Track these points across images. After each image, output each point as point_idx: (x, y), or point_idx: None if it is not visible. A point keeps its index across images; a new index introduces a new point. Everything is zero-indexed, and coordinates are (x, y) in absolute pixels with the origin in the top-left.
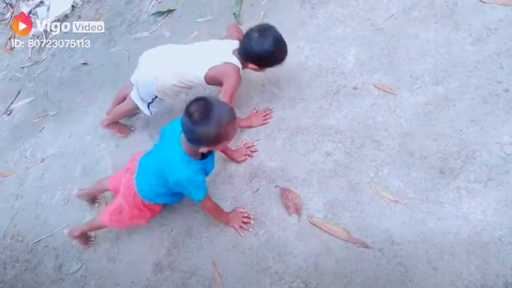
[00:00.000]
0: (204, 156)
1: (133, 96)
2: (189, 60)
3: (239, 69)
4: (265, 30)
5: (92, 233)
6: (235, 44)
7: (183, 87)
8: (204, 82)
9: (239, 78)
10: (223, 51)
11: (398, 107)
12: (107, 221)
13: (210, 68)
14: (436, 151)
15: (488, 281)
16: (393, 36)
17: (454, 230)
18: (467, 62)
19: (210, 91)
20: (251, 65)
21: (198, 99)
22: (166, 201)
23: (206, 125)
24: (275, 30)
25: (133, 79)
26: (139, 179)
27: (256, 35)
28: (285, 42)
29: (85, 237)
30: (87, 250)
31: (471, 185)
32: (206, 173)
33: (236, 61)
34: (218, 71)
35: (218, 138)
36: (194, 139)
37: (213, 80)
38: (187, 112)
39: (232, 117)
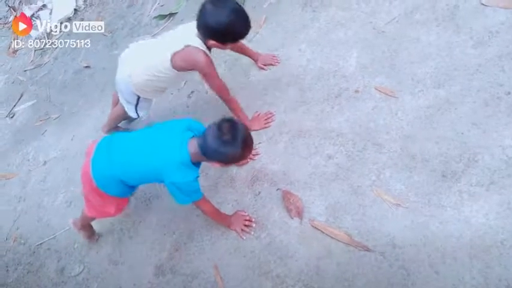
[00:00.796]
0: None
1: (120, 98)
2: (156, 51)
3: (201, 49)
4: (219, 0)
5: (96, 234)
6: None
7: (157, 80)
8: (172, 69)
9: (207, 58)
10: (187, 34)
11: (399, 110)
12: (87, 211)
13: (173, 55)
14: (438, 154)
15: (490, 285)
16: (395, 39)
17: (456, 234)
18: (469, 65)
19: (211, 92)
20: (211, 42)
21: (228, 120)
22: (116, 192)
23: (236, 146)
24: (231, 0)
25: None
26: (97, 161)
27: (210, 7)
28: (244, 12)
29: (89, 231)
30: (89, 253)
31: (473, 189)
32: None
33: (198, 41)
34: (182, 56)
35: (240, 158)
36: (217, 157)
37: (182, 67)
38: (219, 131)
39: (252, 140)
